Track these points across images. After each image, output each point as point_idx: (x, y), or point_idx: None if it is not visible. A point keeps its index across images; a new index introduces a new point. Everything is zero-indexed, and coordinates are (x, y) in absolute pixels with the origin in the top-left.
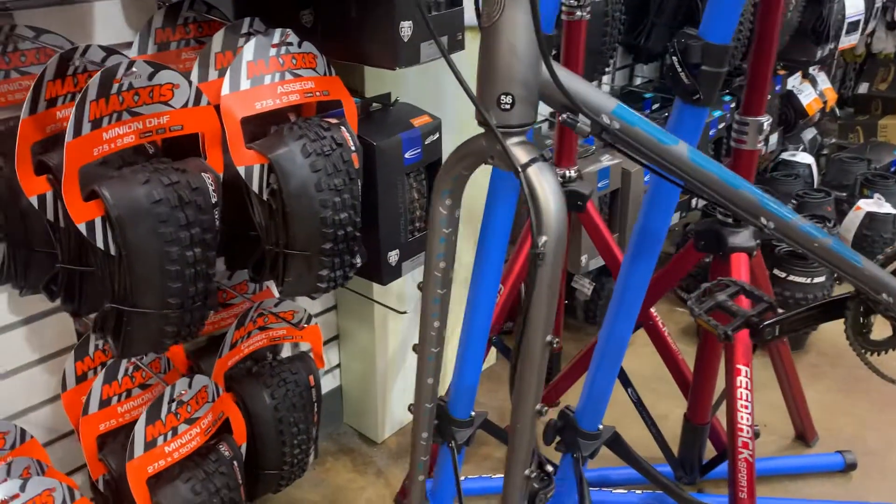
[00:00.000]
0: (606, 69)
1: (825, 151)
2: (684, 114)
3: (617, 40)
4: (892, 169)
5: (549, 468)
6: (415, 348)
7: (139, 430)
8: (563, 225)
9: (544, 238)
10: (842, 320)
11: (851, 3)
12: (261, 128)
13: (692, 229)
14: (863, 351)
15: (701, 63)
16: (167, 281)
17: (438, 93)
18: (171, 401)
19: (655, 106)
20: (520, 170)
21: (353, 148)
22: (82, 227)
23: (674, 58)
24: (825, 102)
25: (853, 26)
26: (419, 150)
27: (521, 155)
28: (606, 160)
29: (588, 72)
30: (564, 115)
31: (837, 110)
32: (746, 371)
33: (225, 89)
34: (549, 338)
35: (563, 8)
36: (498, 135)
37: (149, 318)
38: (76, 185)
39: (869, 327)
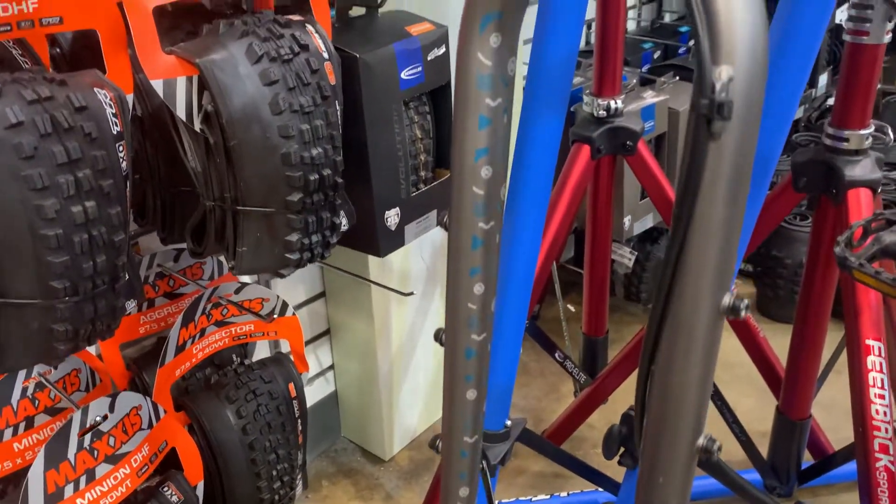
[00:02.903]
0: None
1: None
2: None
3: None
4: None
5: None
6: (438, 335)
7: (35, 477)
8: (763, 50)
9: (728, 71)
10: None
11: None
12: (188, 22)
13: (791, 161)
14: None
15: None
16: (45, 253)
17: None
18: (84, 432)
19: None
20: None
21: (325, 55)
22: None
23: None
24: None
25: None
26: (420, 69)
27: None
28: (650, 97)
29: None
30: None
31: None
32: (879, 348)
33: None
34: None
35: None
36: None
37: (26, 314)
38: None
39: None
